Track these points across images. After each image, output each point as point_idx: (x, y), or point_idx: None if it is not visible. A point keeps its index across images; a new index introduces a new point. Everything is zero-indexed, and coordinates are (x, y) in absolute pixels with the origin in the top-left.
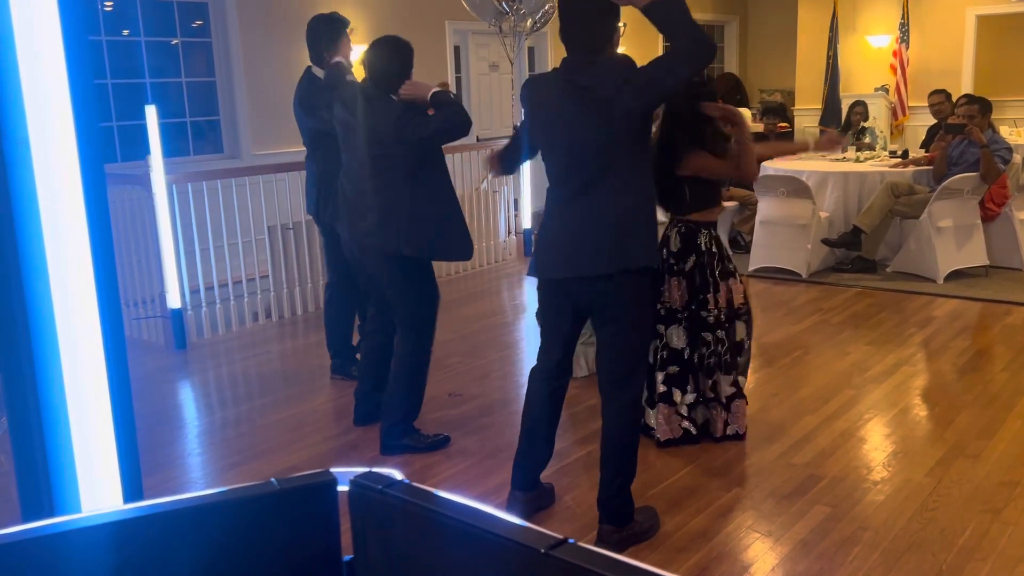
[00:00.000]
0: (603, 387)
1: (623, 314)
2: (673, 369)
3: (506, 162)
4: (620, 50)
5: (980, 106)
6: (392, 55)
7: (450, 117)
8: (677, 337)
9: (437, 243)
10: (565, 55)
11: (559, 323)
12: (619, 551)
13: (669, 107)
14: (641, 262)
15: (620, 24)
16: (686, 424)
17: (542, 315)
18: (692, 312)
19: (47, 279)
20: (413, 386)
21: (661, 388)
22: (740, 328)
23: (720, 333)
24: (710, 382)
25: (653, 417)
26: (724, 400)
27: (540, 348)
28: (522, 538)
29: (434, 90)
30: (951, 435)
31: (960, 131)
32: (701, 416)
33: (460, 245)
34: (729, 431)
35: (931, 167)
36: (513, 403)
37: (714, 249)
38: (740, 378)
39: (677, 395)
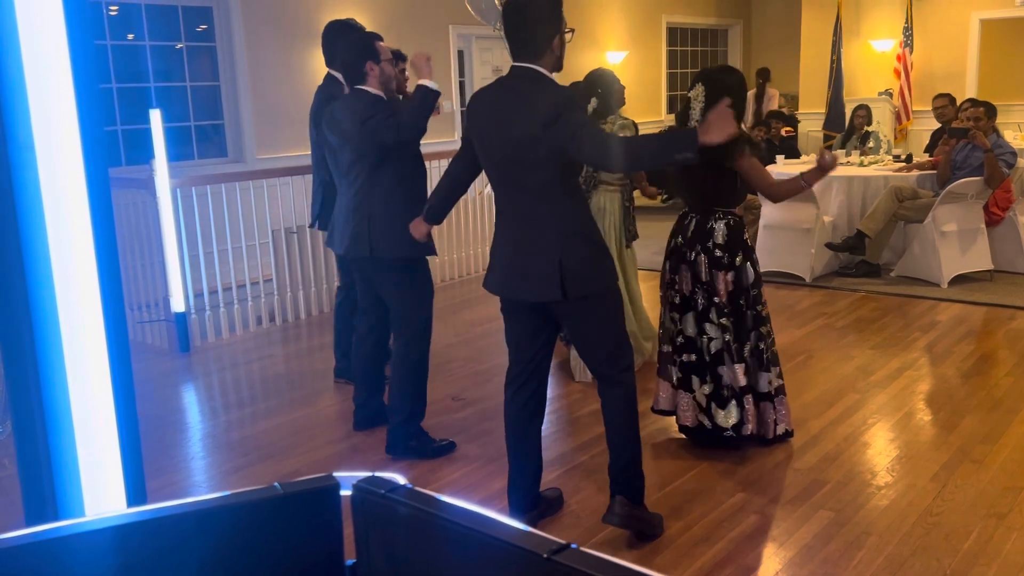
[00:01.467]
0: (593, 369)
1: (581, 312)
2: (693, 358)
3: (436, 209)
4: (622, 55)
5: (985, 110)
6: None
7: (408, 122)
8: (727, 330)
9: (404, 240)
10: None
11: (516, 321)
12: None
13: (712, 95)
14: (603, 286)
15: (567, 31)
16: (702, 417)
17: (503, 313)
18: (737, 307)
19: (51, 282)
20: (413, 388)
21: (742, 381)
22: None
23: (765, 329)
24: (767, 376)
25: (733, 414)
26: (772, 394)
27: (509, 356)
28: (525, 543)
29: (426, 83)
30: (955, 440)
31: (964, 135)
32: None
33: (411, 242)
34: (779, 430)
35: (935, 171)
36: None
37: (753, 245)
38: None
39: (696, 383)
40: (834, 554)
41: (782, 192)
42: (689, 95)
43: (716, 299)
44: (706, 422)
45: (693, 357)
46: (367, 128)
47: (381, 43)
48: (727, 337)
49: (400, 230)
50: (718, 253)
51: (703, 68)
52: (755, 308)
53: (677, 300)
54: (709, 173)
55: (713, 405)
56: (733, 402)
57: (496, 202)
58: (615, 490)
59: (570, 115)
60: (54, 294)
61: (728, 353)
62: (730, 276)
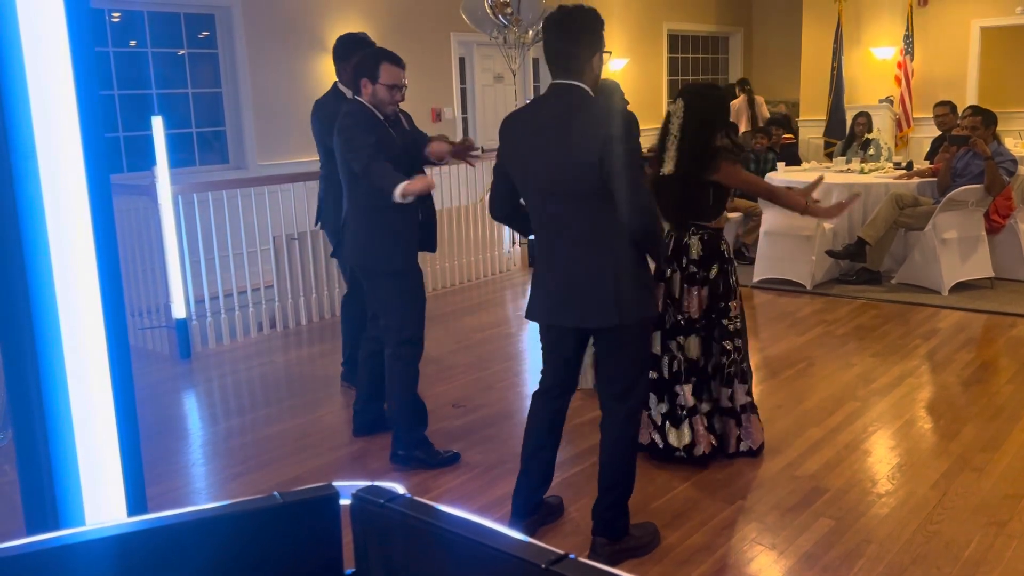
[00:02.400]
0: (603, 400)
1: (624, 338)
2: (689, 381)
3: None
4: (623, 62)
5: (984, 118)
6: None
7: (373, 173)
8: (694, 347)
9: (369, 253)
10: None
11: (559, 346)
12: (610, 564)
13: (704, 115)
14: (635, 317)
15: (606, 51)
16: (656, 436)
17: (543, 336)
18: (711, 321)
19: (52, 288)
20: (405, 399)
21: (690, 401)
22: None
23: (738, 342)
24: (729, 392)
25: (686, 434)
26: (739, 410)
27: (542, 368)
28: (523, 553)
29: (399, 194)
30: (956, 448)
31: (964, 143)
32: (718, 427)
33: (386, 255)
34: (742, 447)
35: (935, 179)
36: (517, 414)
37: (731, 256)
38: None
39: (652, 400)
40: (834, 562)
41: (773, 193)
42: (669, 109)
43: (682, 318)
44: (659, 440)
45: (654, 375)
46: (338, 140)
47: (394, 68)
48: (692, 355)
49: (380, 242)
50: (692, 269)
51: (686, 84)
52: (723, 321)
53: None
54: (683, 187)
55: (667, 424)
56: (687, 422)
57: (540, 228)
58: (597, 530)
59: (621, 148)
60: (55, 300)
61: (685, 372)
62: (704, 291)
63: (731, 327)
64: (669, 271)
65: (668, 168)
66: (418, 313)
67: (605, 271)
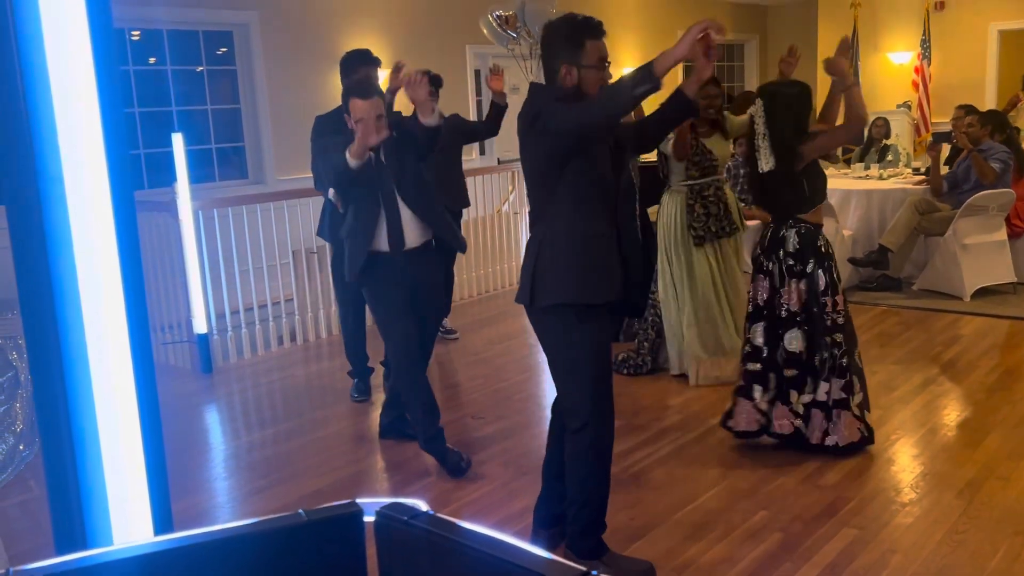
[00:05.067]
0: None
1: (547, 348)
2: (791, 372)
3: None
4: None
5: (979, 117)
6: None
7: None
8: (796, 341)
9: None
10: None
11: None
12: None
13: (781, 111)
14: (547, 300)
15: (589, 65)
16: (798, 423)
17: None
18: (813, 315)
19: (79, 304)
20: (407, 401)
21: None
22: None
23: (839, 337)
24: (827, 386)
25: (774, 417)
26: (830, 405)
27: None
28: (547, 570)
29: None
30: (980, 456)
31: (948, 139)
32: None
33: (350, 263)
34: (828, 441)
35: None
36: (535, 425)
37: (830, 252)
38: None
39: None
40: (859, 572)
41: (861, 107)
42: (751, 111)
43: (783, 310)
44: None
45: (757, 366)
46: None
47: (358, 102)
48: (793, 348)
49: (352, 254)
50: (790, 262)
51: (763, 84)
52: (825, 316)
53: (750, 309)
54: (778, 182)
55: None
56: (778, 402)
57: None
58: (567, 542)
59: (545, 108)
60: (81, 316)
61: (785, 363)
62: (803, 284)
63: (828, 322)
64: (769, 264)
65: (765, 166)
66: (392, 328)
67: (530, 250)
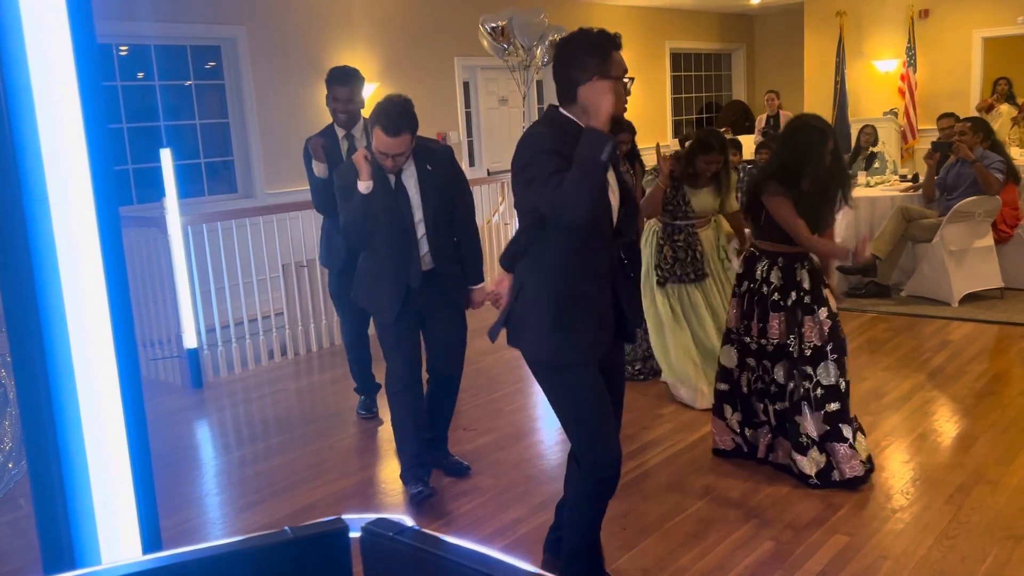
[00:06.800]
0: None
1: (536, 376)
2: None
3: None
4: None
5: (971, 124)
6: None
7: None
8: (780, 372)
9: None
10: None
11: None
12: None
13: (781, 154)
14: (522, 350)
15: (627, 77)
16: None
17: None
18: (784, 346)
19: (64, 320)
20: (395, 434)
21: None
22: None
23: (808, 369)
24: (798, 418)
25: (807, 463)
26: (807, 440)
27: None
28: None
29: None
30: (970, 461)
31: (947, 149)
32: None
33: (365, 297)
34: (834, 476)
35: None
36: (526, 437)
37: (806, 285)
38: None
39: (759, 407)
40: None
41: (814, 245)
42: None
43: (767, 341)
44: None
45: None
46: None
47: (383, 137)
48: (780, 379)
49: (391, 293)
50: (775, 296)
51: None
52: (801, 346)
53: (725, 328)
54: (760, 210)
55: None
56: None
57: None
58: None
59: (525, 163)
60: (67, 332)
61: (761, 394)
62: (782, 316)
63: (797, 354)
64: (740, 287)
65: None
66: (394, 356)
67: (513, 283)
